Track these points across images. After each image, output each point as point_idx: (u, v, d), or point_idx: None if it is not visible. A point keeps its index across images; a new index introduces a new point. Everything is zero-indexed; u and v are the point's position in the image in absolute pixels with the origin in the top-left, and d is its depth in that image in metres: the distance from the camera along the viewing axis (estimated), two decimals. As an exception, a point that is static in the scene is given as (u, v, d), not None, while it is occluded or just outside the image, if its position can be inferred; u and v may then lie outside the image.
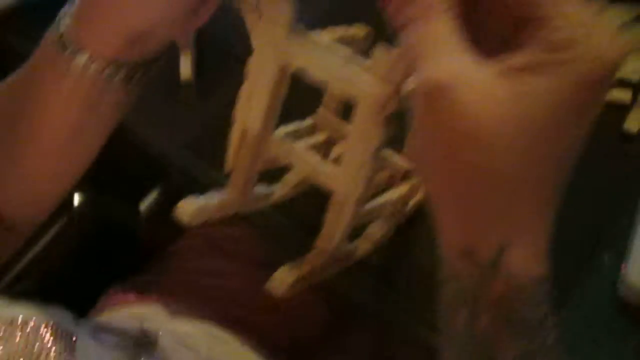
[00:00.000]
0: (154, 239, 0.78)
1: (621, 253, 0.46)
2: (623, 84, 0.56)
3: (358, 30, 0.42)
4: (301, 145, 0.44)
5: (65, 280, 0.76)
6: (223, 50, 0.63)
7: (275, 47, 0.34)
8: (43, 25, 0.43)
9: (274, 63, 0.35)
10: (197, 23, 0.40)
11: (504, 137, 0.25)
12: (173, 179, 0.74)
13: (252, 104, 0.37)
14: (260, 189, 0.43)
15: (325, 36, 0.40)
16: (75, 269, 0.75)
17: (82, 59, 0.39)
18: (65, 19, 0.40)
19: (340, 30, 0.41)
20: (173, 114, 0.63)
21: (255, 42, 0.35)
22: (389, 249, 0.47)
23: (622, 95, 0.55)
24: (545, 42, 0.26)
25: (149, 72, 0.43)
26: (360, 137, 0.33)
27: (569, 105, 0.25)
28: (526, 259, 0.27)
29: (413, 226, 0.46)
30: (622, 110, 0.55)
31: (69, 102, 0.41)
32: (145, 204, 0.79)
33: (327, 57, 0.33)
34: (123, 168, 0.71)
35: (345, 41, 0.41)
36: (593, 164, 0.50)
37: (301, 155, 0.38)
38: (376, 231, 0.44)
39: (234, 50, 0.58)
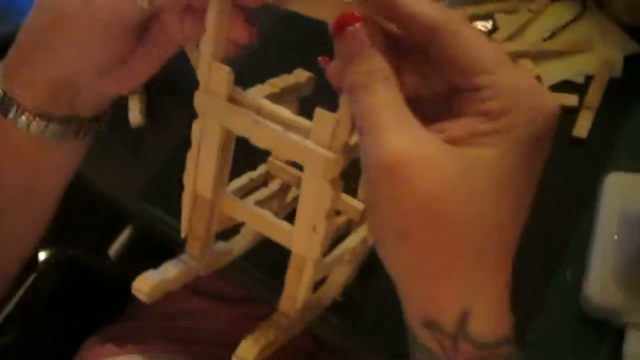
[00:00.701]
0: (127, 282, 0.78)
1: (582, 268, 0.46)
2: (568, 86, 0.57)
3: (299, 77, 0.42)
4: (255, 198, 0.44)
5: (43, 335, 0.75)
6: (176, 90, 0.63)
7: (216, 115, 0.34)
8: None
9: (217, 129, 0.34)
10: (135, 76, 0.40)
11: (457, 209, 0.26)
12: (137, 222, 0.73)
13: (200, 169, 0.36)
14: (219, 246, 0.43)
15: (267, 89, 0.39)
16: (49, 324, 0.74)
17: (21, 120, 0.38)
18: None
19: (282, 80, 0.41)
20: (127, 160, 0.62)
21: (197, 107, 0.35)
22: (354, 286, 0.47)
23: (568, 99, 0.55)
24: (480, 112, 0.26)
25: (93, 128, 0.43)
26: (311, 200, 0.33)
27: (515, 169, 0.26)
28: (490, 321, 0.28)
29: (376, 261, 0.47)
30: (569, 113, 0.55)
31: (14, 161, 0.41)
32: (113, 249, 0.78)
33: (267, 126, 0.32)
34: (86, 217, 0.70)
35: (288, 90, 0.41)
36: (545, 173, 0.51)
37: (255, 214, 0.38)
38: (340, 277, 0.44)
39: (186, 88, 0.58)
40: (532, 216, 0.48)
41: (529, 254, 0.48)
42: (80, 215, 0.64)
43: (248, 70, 0.39)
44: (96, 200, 0.64)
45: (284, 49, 0.60)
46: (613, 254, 0.46)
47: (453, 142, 0.27)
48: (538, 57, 0.58)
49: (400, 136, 0.26)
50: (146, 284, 0.38)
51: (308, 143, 0.31)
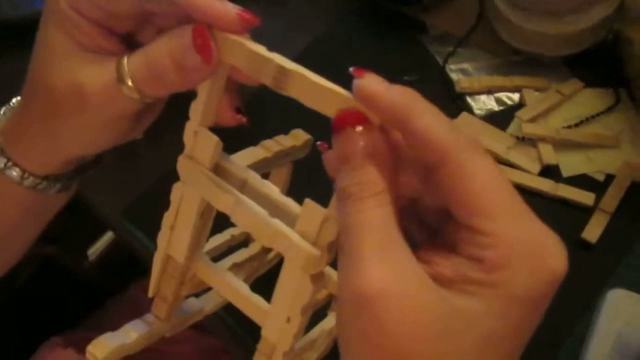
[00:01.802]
0: (101, 286, 0.76)
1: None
2: (586, 183, 0.54)
3: (296, 139, 0.39)
4: (233, 261, 0.41)
5: (6, 326, 0.73)
6: (177, 106, 0.60)
7: (197, 186, 0.31)
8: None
9: (198, 198, 0.32)
10: (138, 132, 0.37)
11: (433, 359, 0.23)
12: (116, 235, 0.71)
13: (175, 233, 0.34)
14: (189, 304, 0.40)
15: (260, 152, 0.37)
16: (15, 316, 0.72)
17: (13, 173, 0.36)
18: None
19: (277, 143, 0.38)
20: (117, 173, 0.60)
21: (179, 172, 0.32)
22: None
23: (584, 197, 0.52)
24: (474, 257, 0.23)
25: (92, 168, 0.41)
26: (288, 291, 0.30)
27: (502, 329, 0.23)
28: None
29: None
30: (582, 212, 0.52)
31: (3, 206, 0.38)
32: (93, 250, 0.76)
33: (249, 208, 0.29)
34: (68, 216, 0.68)
35: (282, 154, 0.38)
36: None
37: (228, 284, 0.35)
38: (312, 354, 0.41)
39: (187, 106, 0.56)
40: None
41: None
42: (62, 214, 0.62)
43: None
44: (80, 203, 0.62)
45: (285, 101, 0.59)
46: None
47: (440, 280, 0.24)
48: (560, 144, 0.55)
49: (381, 267, 0.23)
50: (102, 350, 0.35)
51: (292, 235, 0.28)
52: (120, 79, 0.30)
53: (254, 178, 0.31)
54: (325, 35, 0.65)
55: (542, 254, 0.23)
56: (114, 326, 0.72)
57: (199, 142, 0.30)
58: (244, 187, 0.31)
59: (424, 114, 0.24)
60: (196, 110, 0.30)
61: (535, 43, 0.59)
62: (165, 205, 0.34)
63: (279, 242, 0.29)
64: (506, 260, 0.23)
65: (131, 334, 0.36)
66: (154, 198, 0.33)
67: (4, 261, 0.44)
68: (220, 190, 0.30)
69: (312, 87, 0.26)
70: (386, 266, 0.23)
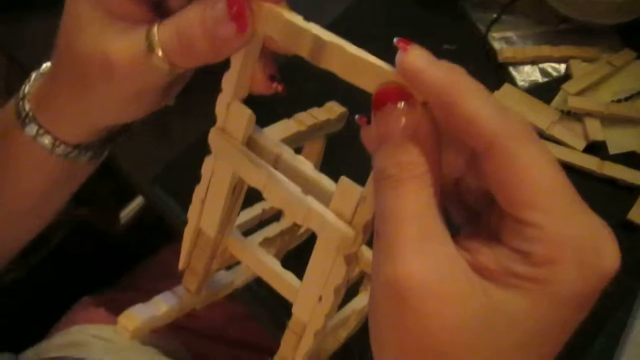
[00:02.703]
0: (133, 248, 0.77)
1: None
2: (633, 160, 0.51)
3: (331, 112, 0.37)
4: (265, 235, 0.40)
5: (41, 284, 0.74)
6: (211, 72, 0.60)
7: (229, 160, 0.30)
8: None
9: (229, 173, 0.31)
10: (171, 97, 0.36)
11: (469, 356, 0.22)
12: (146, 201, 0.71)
13: (206, 207, 0.33)
14: (220, 277, 0.40)
15: (293, 126, 0.35)
16: (49, 274, 0.73)
17: (45, 140, 0.36)
18: (28, 92, 0.36)
19: (310, 116, 0.37)
20: (149, 139, 0.59)
21: (211, 145, 0.31)
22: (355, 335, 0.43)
23: (630, 175, 0.50)
24: (522, 251, 0.22)
25: (121, 136, 0.40)
26: (321, 271, 0.29)
27: (545, 327, 0.22)
28: None
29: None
30: (628, 191, 0.50)
31: (35, 177, 0.38)
32: (125, 213, 0.76)
33: (283, 184, 0.28)
34: (101, 180, 0.68)
35: (316, 128, 0.37)
36: None
37: (260, 260, 0.35)
38: (343, 330, 0.41)
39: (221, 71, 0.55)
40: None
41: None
42: (95, 177, 0.63)
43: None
44: (113, 167, 0.62)
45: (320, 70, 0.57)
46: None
47: (481, 271, 0.22)
48: (608, 119, 0.52)
49: (421, 256, 0.22)
50: (132, 321, 0.35)
51: (327, 214, 0.27)
52: (150, 49, 0.29)
53: (288, 153, 0.30)
54: (362, 2, 0.63)
55: (594, 252, 0.21)
56: (145, 288, 0.73)
57: (231, 115, 0.29)
58: (277, 162, 0.29)
59: (472, 96, 0.22)
60: (229, 82, 0.29)
61: (585, 10, 0.56)
62: (195, 172, 0.33)
63: (313, 220, 0.28)
64: (555, 256, 0.21)
65: (161, 306, 0.36)
66: (185, 165, 0.33)
67: (34, 225, 0.44)
68: (252, 165, 0.29)
69: (351, 60, 0.24)
70: (425, 256, 0.22)
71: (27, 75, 0.49)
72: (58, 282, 0.75)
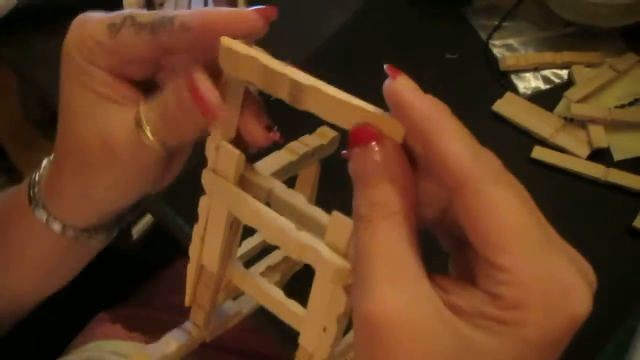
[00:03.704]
0: (146, 263, 0.78)
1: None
2: (638, 166, 0.50)
3: (323, 137, 0.38)
4: (268, 263, 0.41)
5: (55, 302, 0.76)
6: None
7: (222, 199, 0.31)
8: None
9: (225, 211, 0.31)
10: (176, 172, 0.37)
11: None
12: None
13: (206, 244, 0.34)
14: (227, 308, 0.40)
15: (285, 157, 0.36)
16: (66, 291, 0.75)
17: (55, 226, 0.37)
18: (39, 179, 0.38)
19: (302, 144, 0.37)
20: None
21: (204, 185, 0.31)
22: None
23: (634, 181, 0.49)
24: (491, 292, 0.22)
25: (130, 218, 0.42)
26: (322, 302, 0.29)
27: None
28: None
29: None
30: (634, 198, 0.49)
31: (45, 253, 0.39)
32: (137, 229, 0.77)
33: (276, 221, 0.29)
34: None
35: (308, 155, 0.37)
36: (596, 258, 0.47)
37: (263, 291, 0.35)
38: (352, 353, 0.41)
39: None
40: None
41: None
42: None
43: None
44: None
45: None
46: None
47: (454, 309, 0.22)
48: (612, 125, 0.52)
49: (392, 294, 0.22)
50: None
51: (321, 248, 0.27)
52: (140, 128, 0.30)
53: (280, 188, 0.30)
54: (364, 10, 0.63)
55: (562, 296, 0.21)
56: (159, 303, 0.74)
57: (221, 156, 0.30)
58: (270, 197, 0.30)
59: (448, 134, 0.22)
60: (216, 125, 0.29)
61: (589, 14, 0.56)
62: (203, 190, 0.34)
63: (308, 255, 0.28)
64: (523, 300, 0.21)
65: (172, 343, 0.37)
66: (193, 184, 0.33)
67: (44, 292, 0.45)
68: (244, 204, 0.29)
69: (329, 101, 0.24)
70: (397, 294, 0.22)
71: (41, 94, 0.50)
72: (74, 299, 0.76)
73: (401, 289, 0.22)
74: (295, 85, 0.25)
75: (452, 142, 0.22)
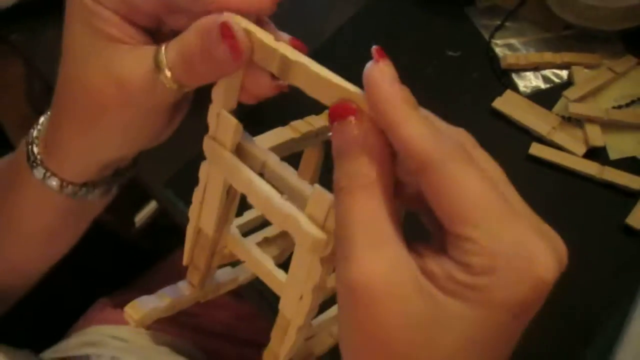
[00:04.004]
0: (147, 251, 0.79)
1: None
2: (634, 166, 0.52)
3: (327, 119, 0.39)
4: (265, 235, 0.42)
5: (57, 287, 0.77)
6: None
7: (219, 165, 0.32)
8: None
9: (221, 176, 0.33)
10: (172, 130, 0.38)
11: (412, 351, 0.24)
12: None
13: (204, 208, 0.35)
14: (223, 273, 0.42)
15: (287, 133, 0.37)
16: (65, 278, 0.76)
17: (52, 183, 0.37)
18: (37, 136, 0.38)
19: (307, 123, 0.38)
20: (161, 143, 0.61)
21: (205, 151, 0.33)
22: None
23: (630, 180, 0.50)
24: (462, 262, 0.23)
25: (130, 173, 0.42)
26: (300, 271, 0.31)
27: (483, 331, 0.23)
28: None
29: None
30: (628, 197, 0.51)
31: (46, 213, 0.40)
32: (139, 217, 0.78)
33: (262, 190, 0.30)
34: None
35: (311, 134, 0.38)
36: (589, 254, 0.48)
37: (253, 257, 0.37)
38: (334, 331, 0.42)
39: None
40: (562, 301, 0.46)
41: (549, 342, 0.45)
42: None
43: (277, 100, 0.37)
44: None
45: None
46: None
47: (429, 275, 0.24)
48: (608, 125, 0.53)
49: (370, 257, 0.23)
50: (137, 312, 0.37)
51: (300, 219, 0.29)
52: (158, 69, 0.30)
53: (273, 160, 0.31)
54: (368, 7, 0.64)
55: (527, 261, 0.23)
56: (158, 289, 0.75)
57: (220, 124, 0.31)
58: (263, 168, 0.31)
59: (407, 122, 0.24)
60: (218, 94, 0.31)
61: (588, 17, 0.57)
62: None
63: (289, 224, 0.29)
64: (490, 266, 0.23)
65: (165, 298, 0.38)
66: (195, 170, 0.34)
67: (47, 260, 0.46)
68: (238, 171, 0.31)
69: (313, 77, 0.26)
70: (375, 259, 0.24)
71: (47, 84, 0.50)
72: (75, 284, 0.77)
73: (380, 254, 0.24)
74: (284, 59, 0.27)
75: (411, 127, 0.23)
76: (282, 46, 0.27)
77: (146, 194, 0.80)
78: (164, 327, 0.68)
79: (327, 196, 0.27)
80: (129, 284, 0.78)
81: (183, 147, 0.59)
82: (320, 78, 0.26)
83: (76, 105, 0.33)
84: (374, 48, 0.25)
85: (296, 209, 0.29)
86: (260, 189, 0.30)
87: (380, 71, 0.24)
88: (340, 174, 0.25)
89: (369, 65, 0.24)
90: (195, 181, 0.35)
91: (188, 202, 0.56)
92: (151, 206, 0.79)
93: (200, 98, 0.40)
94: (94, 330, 0.68)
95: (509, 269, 0.22)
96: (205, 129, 0.33)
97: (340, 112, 0.25)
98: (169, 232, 0.75)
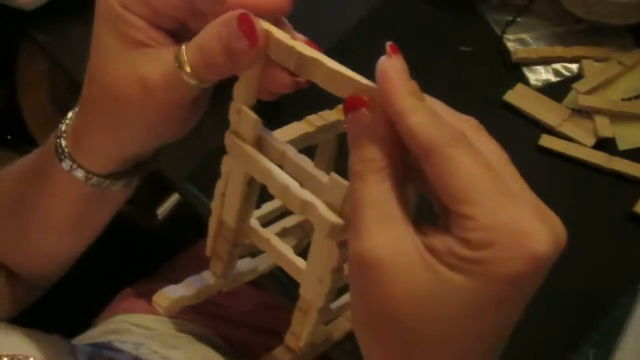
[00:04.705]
0: (169, 243, 0.81)
1: (607, 353, 0.45)
2: (643, 156, 0.53)
3: (341, 114, 0.40)
4: (283, 225, 0.44)
5: (82, 277, 0.79)
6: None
7: (240, 158, 0.34)
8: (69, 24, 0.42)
9: (242, 170, 0.35)
10: (192, 125, 0.40)
11: (417, 320, 0.26)
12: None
13: (227, 200, 0.37)
14: (245, 263, 0.44)
15: (302, 127, 0.39)
16: (89, 269, 0.78)
17: (79, 174, 0.39)
18: (67, 128, 0.40)
19: (321, 118, 0.40)
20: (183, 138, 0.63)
21: (226, 145, 0.35)
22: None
23: (637, 170, 0.51)
24: (463, 238, 0.25)
25: (151, 167, 0.44)
26: (319, 255, 0.33)
27: (485, 303, 0.25)
28: None
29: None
30: (636, 186, 0.52)
31: (71, 202, 0.42)
32: (162, 210, 0.81)
33: (281, 179, 0.32)
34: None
35: (325, 128, 0.40)
36: (598, 241, 0.50)
37: (273, 246, 0.39)
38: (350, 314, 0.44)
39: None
40: (570, 287, 0.48)
41: (559, 325, 0.47)
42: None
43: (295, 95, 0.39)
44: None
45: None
46: (643, 350, 0.44)
47: (433, 251, 0.26)
48: (617, 117, 0.54)
49: (380, 234, 0.26)
50: (165, 300, 0.39)
51: (319, 205, 0.31)
52: (181, 67, 0.32)
53: (292, 152, 0.33)
54: (383, 4, 0.66)
55: (524, 236, 0.24)
56: (182, 279, 0.77)
57: (241, 120, 0.33)
58: (282, 159, 0.33)
59: (415, 112, 0.26)
60: (239, 92, 0.33)
61: (599, 11, 0.58)
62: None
63: (308, 211, 0.31)
64: (489, 242, 0.24)
65: (191, 288, 0.40)
66: (216, 163, 0.36)
67: (75, 249, 0.48)
68: (259, 163, 0.33)
69: (328, 73, 0.28)
70: (384, 234, 0.26)
71: (73, 83, 0.52)
72: (101, 275, 0.80)
73: (389, 229, 0.26)
74: (301, 57, 0.29)
75: (416, 117, 0.26)
76: (299, 45, 0.29)
77: (168, 187, 0.83)
78: (187, 316, 0.70)
79: (343, 184, 0.30)
80: (152, 274, 0.80)
81: (204, 142, 0.62)
82: (335, 73, 0.28)
83: (102, 103, 0.35)
84: (388, 44, 0.27)
85: (314, 197, 0.31)
86: (280, 179, 0.32)
87: (392, 65, 0.27)
88: (355, 160, 0.27)
89: (382, 59, 0.27)
90: (215, 174, 0.37)
91: (209, 195, 0.58)
92: (173, 199, 0.81)
93: (220, 96, 0.42)
94: (119, 319, 0.71)
95: (506, 243, 0.24)
96: (224, 124, 0.35)
97: (353, 104, 0.27)
98: (191, 224, 0.77)
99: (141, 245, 0.80)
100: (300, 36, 0.33)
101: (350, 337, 0.49)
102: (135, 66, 0.33)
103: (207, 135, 0.62)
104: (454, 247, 0.25)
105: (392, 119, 0.27)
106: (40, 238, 0.45)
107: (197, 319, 0.70)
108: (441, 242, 0.26)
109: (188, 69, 0.32)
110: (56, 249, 0.47)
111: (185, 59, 0.32)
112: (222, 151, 0.35)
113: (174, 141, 0.40)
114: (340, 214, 0.30)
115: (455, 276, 0.25)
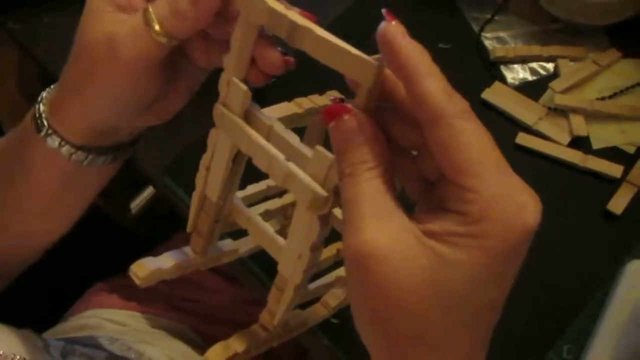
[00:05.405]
0: (145, 236, 0.80)
1: (581, 348, 0.45)
2: (616, 155, 0.54)
3: (320, 99, 0.41)
4: (267, 207, 0.44)
5: (54, 269, 0.78)
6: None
7: (227, 130, 0.34)
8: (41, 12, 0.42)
9: (229, 142, 0.35)
10: (170, 109, 0.40)
11: (423, 306, 0.26)
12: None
13: (211, 174, 0.37)
14: (225, 244, 0.43)
15: (291, 108, 0.39)
16: (60, 262, 0.77)
17: (53, 142, 0.39)
18: (46, 96, 0.40)
19: (310, 101, 0.40)
20: (160, 131, 0.63)
21: (214, 118, 0.35)
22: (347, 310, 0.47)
23: (611, 169, 0.53)
24: (460, 211, 0.26)
25: (130, 151, 0.44)
26: (300, 230, 0.33)
27: (484, 275, 0.26)
28: None
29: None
30: (609, 184, 0.53)
31: (47, 175, 0.42)
32: (135, 203, 0.80)
33: (268, 150, 0.32)
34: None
35: (313, 111, 0.40)
36: (572, 237, 0.50)
37: (255, 224, 0.38)
38: (333, 299, 0.44)
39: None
40: (545, 282, 0.48)
41: (533, 320, 0.48)
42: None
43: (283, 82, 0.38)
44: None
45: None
46: (615, 345, 0.45)
47: (429, 234, 0.26)
48: (592, 116, 0.55)
49: (376, 226, 0.26)
50: (142, 270, 0.39)
51: (302, 176, 0.31)
52: (148, 24, 0.34)
53: (278, 126, 0.33)
54: (357, 2, 0.66)
55: (518, 208, 0.25)
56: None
57: (230, 91, 0.33)
58: (269, 133, 0.33)
59: (428, 76, 0.26)
60: (229, 62, 0.33)
61: (575, 11, 0.59)
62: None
63: (291, 182, 0.31)
64: (487, 215, 0.25)
65: (169, 261, 0.40)
66: (194, 157, 0.36)
67: (48, 232, 0.47)
68: (245, 134, 0.33)
69: (319, 42, 0.28)
70: (379, 227, 0.26)
71: (44, 72, 0.51)
72: (72, 269, 0.79)
73: (386, 222, 0.26)
74: (293, 25, 0.29)
75: (430, 81, 0.26)
76: (291, 13, 0.29)
77: (143, 180, 0.82)
78: (161, 312, 0.70)
79: (328, 155, 0.30)
80: (124, 268, 0.79)
81: (181, 135, 0.61)
82: (326, 42, 0.28)
83: (75, 63, 0.37)
84: (384, 10, 0.27)
85: (298, 169, 0.31)
86: (265, 150, 0.32)
87: (398, 29, 0.26)
88: (343, 165, 0.27)
89: (384, 24, 0.26)
90: (193, 168, 0.37)
91: (186, 189, 0.58)
92: (147, 193, 0.80)
93: (198, 92, 0.42)
94: (90, 314, 0.70)
95: (503, 216, 0.25)
96: (202, 118, 0.35)
97: (333, 112, 0.27)
98: (165, 218, 0.76)
99: (114, 239, 0.79)
100: (295, 8, 0.33)
101: (328, 331, 0.49)
102: (108, 26, 0.35)
103: (184, 128, 0.62)
104: (451, 226, 0.25)
105: (401, 80, 0.26)
106: (17, 218, 0.44)
107: (170, 314, 0.69)
108: (437, 224, 0.26)
109: (156, 27, 0.33)
110: (31, 229, 0.46)
111: (152, 15, 0.33)
112: (199, 144, 0.35)
113: (150, 124, 0.41)
114: (323, 185, 0.30)
115: (456, 254, 0.25)
